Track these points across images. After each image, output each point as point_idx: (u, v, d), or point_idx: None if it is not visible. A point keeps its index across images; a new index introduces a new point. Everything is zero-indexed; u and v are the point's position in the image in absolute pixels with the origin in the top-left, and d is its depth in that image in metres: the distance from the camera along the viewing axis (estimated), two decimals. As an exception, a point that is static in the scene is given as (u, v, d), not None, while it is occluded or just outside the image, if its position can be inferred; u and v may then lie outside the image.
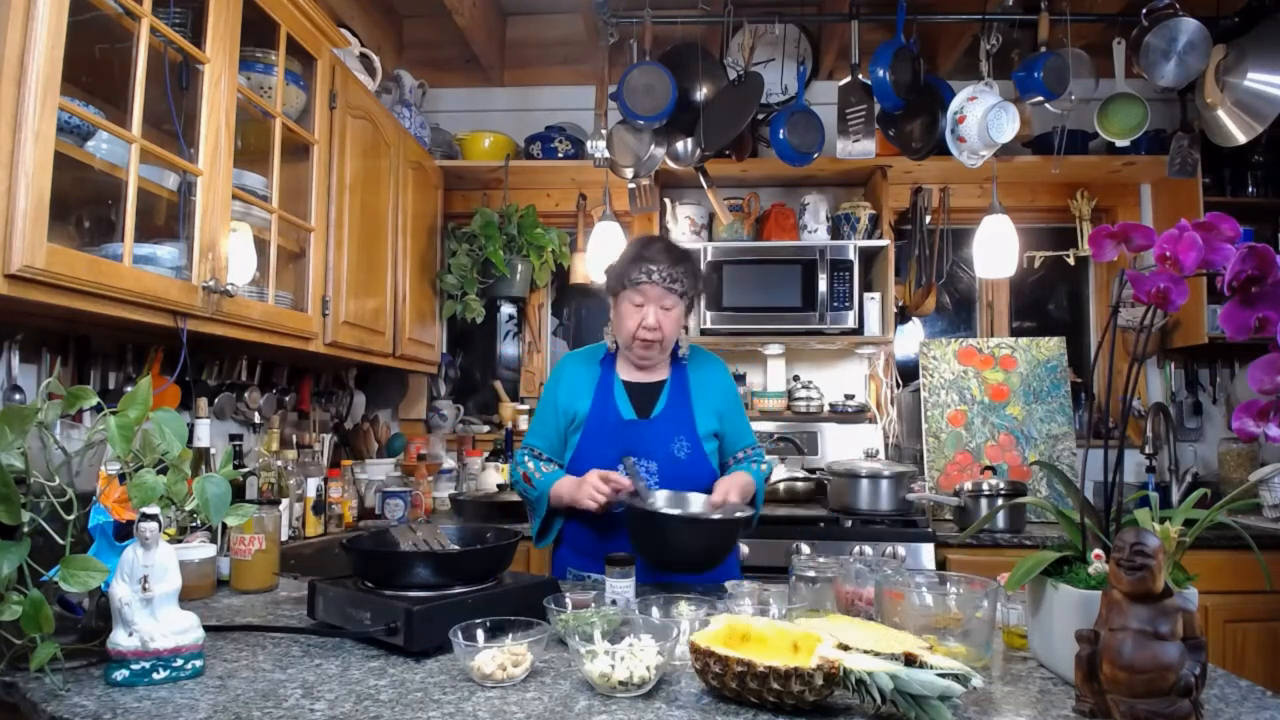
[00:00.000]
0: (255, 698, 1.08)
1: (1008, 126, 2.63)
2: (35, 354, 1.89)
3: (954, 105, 2.72)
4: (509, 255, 3.27)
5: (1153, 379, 3.46)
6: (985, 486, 2.63)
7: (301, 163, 2.33)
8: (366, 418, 3.40)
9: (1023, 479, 2.80)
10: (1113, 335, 1.35)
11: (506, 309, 3.68)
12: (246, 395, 2.56)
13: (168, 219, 1.89)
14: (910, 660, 1.02)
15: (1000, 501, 2.59)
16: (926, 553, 2.54)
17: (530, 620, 1.26)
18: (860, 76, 2.82)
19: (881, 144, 3.07)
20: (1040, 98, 2.65)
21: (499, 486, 3.03)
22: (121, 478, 1.23)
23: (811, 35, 3.57)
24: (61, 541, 1.17)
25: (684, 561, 1.68)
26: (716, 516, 1.71)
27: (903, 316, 3.44)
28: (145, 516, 1.16)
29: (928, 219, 3.35)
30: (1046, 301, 3.67)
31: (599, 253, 3.03)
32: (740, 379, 3.48)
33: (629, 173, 2.95)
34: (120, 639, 1.13)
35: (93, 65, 1.72)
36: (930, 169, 3.23)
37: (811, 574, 1.47)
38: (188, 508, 1.27)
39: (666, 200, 3.41)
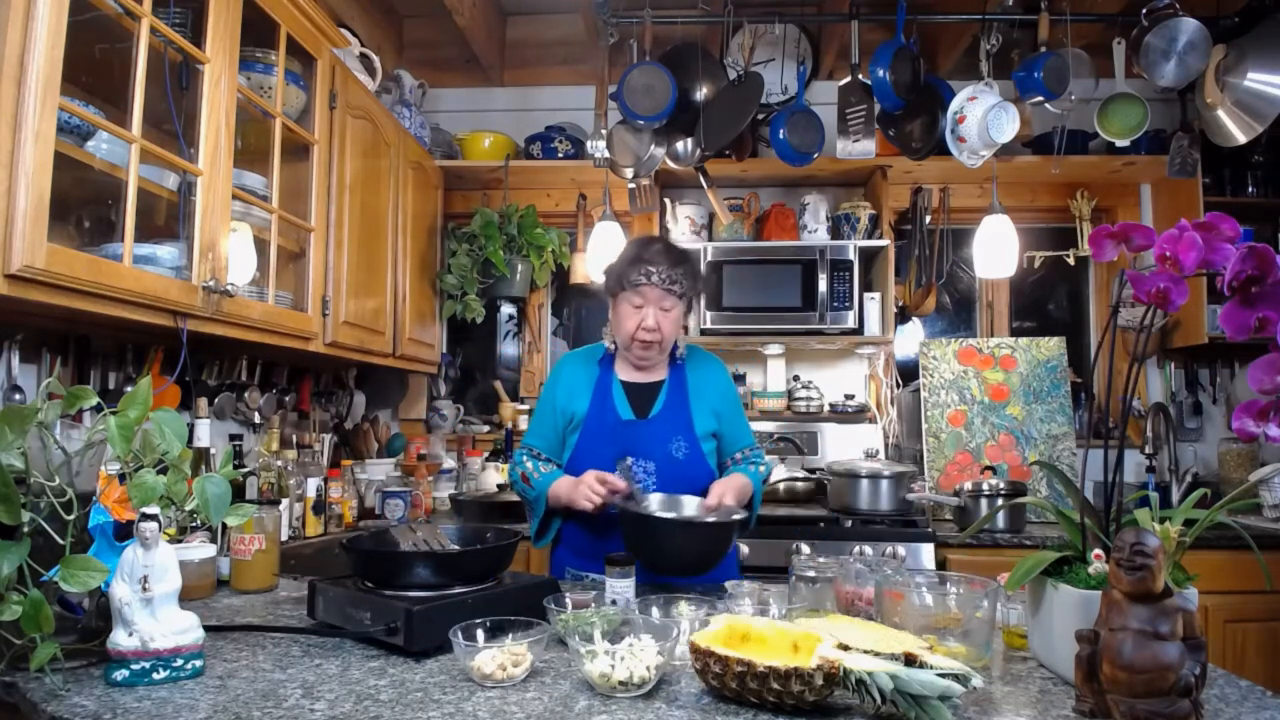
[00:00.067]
0: (255, 698, 1.08)
1: (1008, 126, 2.63)
2: (35, 354, 1.89)
3: (954, 105, 2.72)
4: (509, 255, 3.27)
5: (1153, 379, 3.46)
6: (985, 486, 2.63)
7: (301, 163, 2.33)
8: (366, 418, 3.40)
9: (1023, 479, 2.80)
10: (1113, 335, 1.35)
11: (506, 309, 3.67)
12: (246, 395, 2.56)
13: (168, 219, 1.89)
14: (910, 660, 1.02)
15: (1000, 501, 2.59)
16: (926, 553, 2.55)
17: (530, 620, 1.26)
18: (860, 76, 2.82)
19: (881, 144, 3.07)
20: (1040, 98, 2.65)
21: (499, 486, 3.03)
22: (121, 478, 1.23)
23: (811, 35, 3.57)
24: (61, 541, 1.17)
25: (677, 565, 1.67)
26: (710, 520, 1.70)
27: (903, 316, 3.44)
28: (145, 516, 1.16)
29: (928, 219, 3.35)
30: (1046, 301, 3.67)
31: (599, 253, 3.03)
32: (740, 379, 3.48)
33: (629, 173, 2.95)
34: (120, 639, 1.13)
35: (93, 65, 1.72)
36: (930, 169, 3.23)
37: (811, 574, 1.47)
38: (188, 508, 1.27)
39: (666, 200, 3.41)
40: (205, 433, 1.88)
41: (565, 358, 2.05)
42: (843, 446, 3.30)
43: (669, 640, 1.13)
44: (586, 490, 1.73)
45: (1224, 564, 2.43)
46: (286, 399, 2.80)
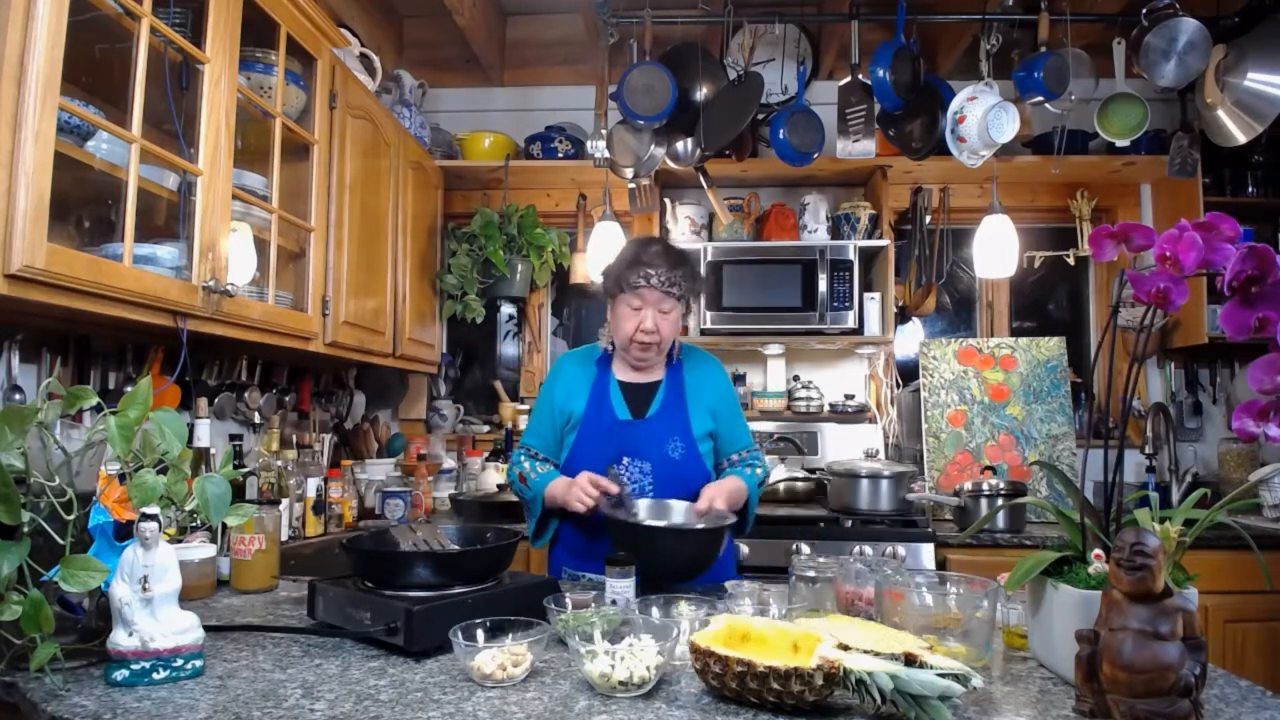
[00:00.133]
0: (255, 698, 1.08)
1: (1008, 126, 2.63)
2: (35, 354, 1.89)
3: (954, 105, 2.72)
4: (509, 255, 3.27)
5: (1153, 379, 3.46)
6: (985, 486, 2.63)
7: (301, 163, 2.33)
8: (366, 418, 3.40)
9: (1023, 479, 2.80)
10: (1113, 335, 1.35)
11: (506, 309, 3.67)
12: (246, 395, 2.56)
13: (168, 219, 1.89)
14: (910, 660, 1.02)
15: (1000, 501, 2.59)
16: (926, 553, 2.55)
17: (530, 620, 1.26)
18: (860, 76, 2.82)
19: (881, 144, 3.07)
20: (1040, 98, 2.65)
21: (499, 486, 3.03)
22: (121, 478, 1.23)
23: (811, 35, 3.57)
24: (61, 541, 1.17)
25: (666, 571, 1.65)
26: (699, 527, 1.69)
27: (903, 316, 3.44)
28: (145, 516, 1.16)
29: (928, 219, 3.35)
30: (1046, 301, 3.67)
31: (599, 253, 3.03)
32: (740, 379, 3.48)
33: (629, 173, 2.95)
34: (120, 639, 1.13)
35: (93, 65, 1.72)
36: (930, 169, 3.23)
37: (811, 574, 1.47)
38: (188, 508, 1.27)
39: (666, 200, 3.41)
40: (205, 433, 1.89)
41: (564, 357, 2.05)
42: (843, 446, 3.30)
43: (669, 640, 1.13)
44: (579, 493, 1.73)
45: (1224, 564, 2.43)
46: (286, 399, 2.80)
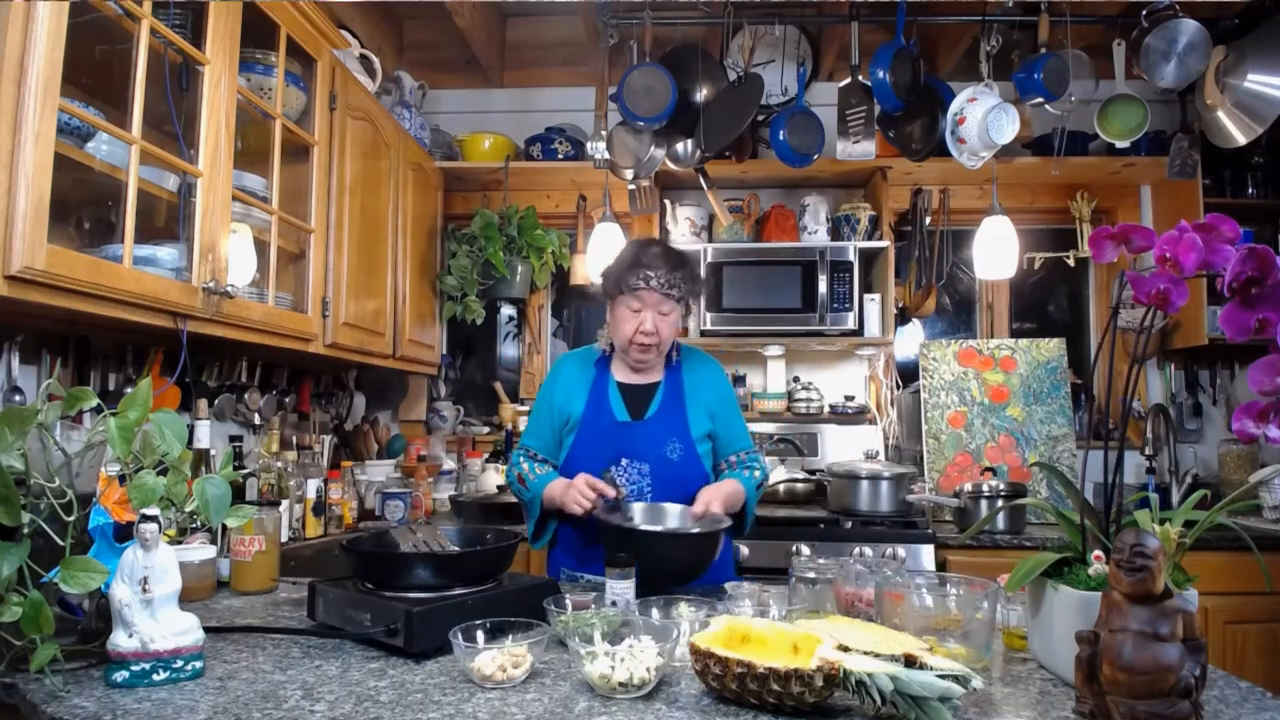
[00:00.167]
0: (255, 699, 1.08)
1: (1008, 128, 2.63)
2: (35, 355, 1.89)
3: (954, 106, 2.72)
4: (509, 256, 3.27)
5: (1153, 380, 3.46)
6: (985, 488, 2.63)
7: (301, 164, 2.33)
8: (366, 419, 3.40)
9: (1023, 480, 2.80)
10: (1113, 336, 1.35)
11: (506, 310, 3.67)
12: (246, 396, 2.56)
13: (168, 220, 1.89)
14: (910, 662, 1.02)
15: (1000, 503, 2.59)
16: (926, 554, 2.54)
17: (530, 621, 1.26)
18: (860, 78, 2.82)
19: (881, 145, 3.07)
20: (1040, 99, 2.65)
21: (499, 488, 3.03)
22: (121, 479, 1.23)
23: (811, 36, 3.57)
24: (61, 543, 1.17)
25: (660, 576, 1.63)
26: (694, 530, 1.69)
27: (903, 318, 3.44)
28: (145, 518, 1.16)
29: (928, 220, 3.35)
30: (1046, 303, 3.67)
31: (599, 254, 3.03)
32: (740, 380, 3.48)
33: (629, 174, 2.95)
34: (120, 640, 1.13)
35: (93, 66, 1.72)
36: (930, 170, 3.23)
37: (811, 575, 1.47)
38: (188, 509, 1.27)
39: (666, 201, 3.41)
40: (205, 434, 1.89)
41: (563, 358, 2.05)
42: (843, 448, 3.30)
43: (669, 642, 1.13)
44: (576, 495, 1.73)
45: (1224, 565, 2.43)
46: (286, 400, 2.80)
